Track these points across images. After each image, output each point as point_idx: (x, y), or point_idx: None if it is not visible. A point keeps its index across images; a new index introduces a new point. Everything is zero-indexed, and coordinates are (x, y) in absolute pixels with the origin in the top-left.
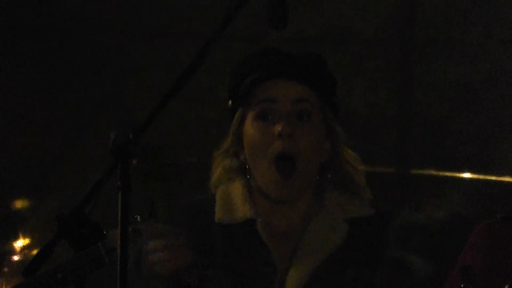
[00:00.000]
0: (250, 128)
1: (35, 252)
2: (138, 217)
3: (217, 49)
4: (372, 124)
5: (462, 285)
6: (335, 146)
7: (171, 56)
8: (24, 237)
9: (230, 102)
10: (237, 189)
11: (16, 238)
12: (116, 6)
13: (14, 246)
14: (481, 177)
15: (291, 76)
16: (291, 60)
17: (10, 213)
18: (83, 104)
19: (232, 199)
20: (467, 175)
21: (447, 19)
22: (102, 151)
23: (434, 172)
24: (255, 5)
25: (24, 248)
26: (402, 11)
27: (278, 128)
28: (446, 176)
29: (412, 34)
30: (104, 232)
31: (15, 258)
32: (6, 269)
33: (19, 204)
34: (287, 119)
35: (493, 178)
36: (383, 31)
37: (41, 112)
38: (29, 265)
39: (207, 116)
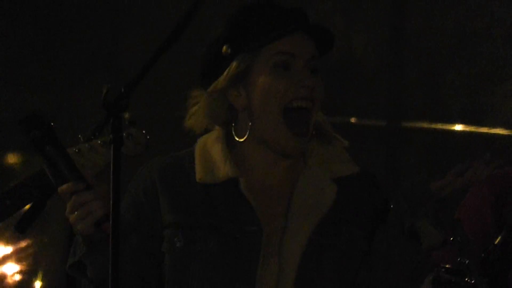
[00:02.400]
0: (267, 75)
1: (26, 207)
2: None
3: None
4: (364, 75)
5: (458, 259)
6: None
7: (163, 13)
8: None
9: (226, 48)
10: (216, 145)
11: None
12: None
13: None
14: (473, 129)
15: (308, 32)
16: (305, 16)
17: (2, 168)
18: (75, 60)
19: (211, 156)
20: (459, 127)
21: None
22: (95, 107)
23: (426, 125)
24: None
25: None
26: None
27: (304, 79)
28: (438, 129)
29: None
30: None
31: None
32: None
33: (11, 159)
34: (308, 72)
35: (485, 130)
36: None
37: (33, 68)
38: (20, 220)
39: None
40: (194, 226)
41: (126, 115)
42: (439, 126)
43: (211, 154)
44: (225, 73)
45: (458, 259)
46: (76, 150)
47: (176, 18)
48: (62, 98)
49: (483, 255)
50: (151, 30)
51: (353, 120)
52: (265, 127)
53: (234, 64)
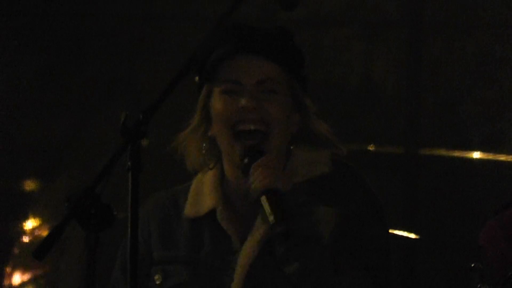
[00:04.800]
0: (217, 102)
1: (44, 233)
2: None
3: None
4: (382, 102)
5: (478, 286)
6: (305, 118)
7: (181, 39)
8: (34, 219)
9: (197, 78)
10: (208, 177)
11: (26, 219)
12: None
13: (24, 228)
14: (492, 157)
15: (255, 52)
16: (255, 35)
17: (20, 194)
18: (93, 86)
19: (203, 189)
20: (477, 155)
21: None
22: (112, 133)
23: (444, 152)
24: None
25: (33, 229)
26: None
27: (242, 101)
28: (457, 156)
29: (423, 14)
30: (115, 213)
31: (25, 239)
32: (16, 251)
33: (29, 185)
34: (251, 94)
35: (504, 158)
36: (394, 13)
37: (52, 94)
38: (39, 247)
39: None
40: (173, 261)
41: (145, 142)
42: (458, 153)
43: (203, 187)
44: (198, 106)
45: (479, 286)
46: None
47: (194, 45)
48: (81, 124)
49: (503, 282)
50: (169, 56)
51: (371, 147)
52: (224, 153)
53: (201, 94)
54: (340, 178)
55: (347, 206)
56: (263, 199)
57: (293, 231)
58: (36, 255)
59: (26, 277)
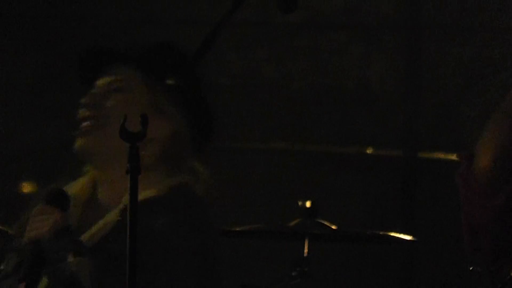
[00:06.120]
0: None
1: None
2: None
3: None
4: (380, 105)
5: (470, 268)
6: (167, 128)
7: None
8: None
9: None
10: None
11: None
12: None
13: None
14: None
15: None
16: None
17: (19, 197)
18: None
19: None
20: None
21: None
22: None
23: (442, 155)
24: None
25: None
26: None
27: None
28: (455, 159)
29: (421, 17)
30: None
31: None
32: None
33: (27, 188)
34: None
35: None
36: (392, 16)
37: (50, 97)
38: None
39: None
40: None
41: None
42: (455, 156)
43: None
44: None
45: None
46: None
47: (194, 50)
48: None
49: (499, 286)
50: None
51: (368, 150)
52: None
53: None
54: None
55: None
56: None
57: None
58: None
59: None
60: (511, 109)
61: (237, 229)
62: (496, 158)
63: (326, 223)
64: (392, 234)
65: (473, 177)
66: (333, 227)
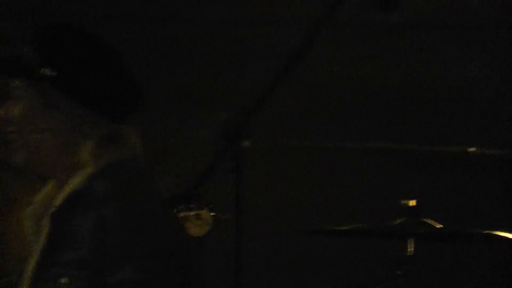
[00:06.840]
0: None
1: None
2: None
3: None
4: (482, 102)
5: None
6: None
7: (282, 38)
8: None
9: None
10: None
11: None
12: None
13: None
14: None
15: None
16: None
17: None
18: (192, 86)
19: None
20: None
21: None
22: (211, 135)
23: None
24: None
25: None
26: None
27: None
28: None
29: None
30: None
31: None
32: None
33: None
34: None
35: None
36: (491, 15)
37: (151, 94)
38: None
39: None
40: None
41: (246, 144)
42: None
43: None
44: None
45: None
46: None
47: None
48: (179, 126)
49: None
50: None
51: (471, 149)
52: None
53: None
54: None
55: None
56: None
57: None
58: None
59: None
60: None
61: (341, 228)
62: None
63: (431, 222)
64: (497, 233)
65: None
66: (438, 226)
